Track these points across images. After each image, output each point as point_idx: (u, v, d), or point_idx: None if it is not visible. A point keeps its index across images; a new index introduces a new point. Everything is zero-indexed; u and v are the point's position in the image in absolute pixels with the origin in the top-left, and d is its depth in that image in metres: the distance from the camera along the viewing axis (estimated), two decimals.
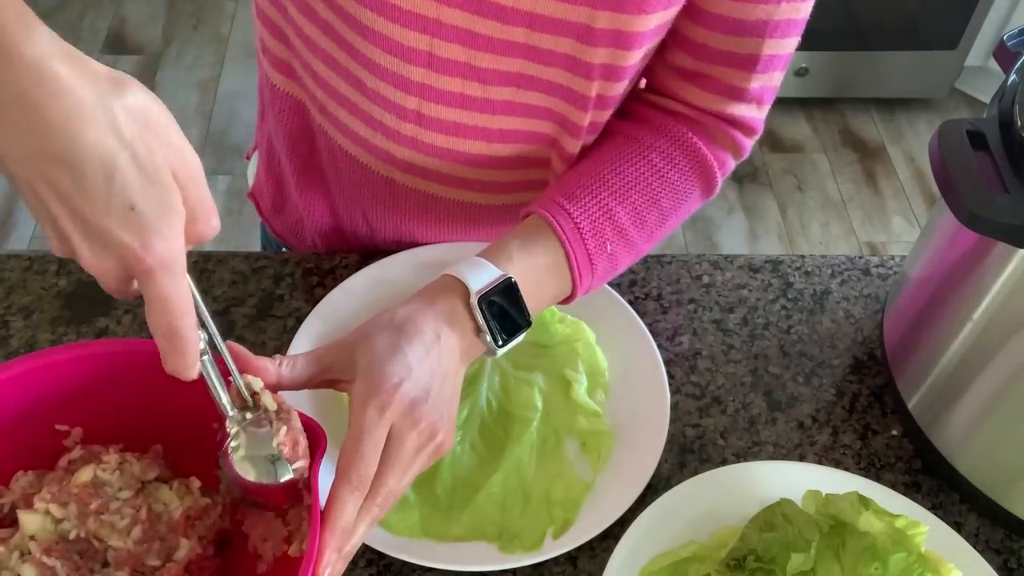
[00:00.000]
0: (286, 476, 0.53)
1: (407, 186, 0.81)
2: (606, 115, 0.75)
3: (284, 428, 0.54)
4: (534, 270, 0.66)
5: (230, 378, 0.54)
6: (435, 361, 0.59)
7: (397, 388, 0.56)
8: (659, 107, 0.76)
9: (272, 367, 0.57)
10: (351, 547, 0.54)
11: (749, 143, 0.77)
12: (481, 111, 0.73)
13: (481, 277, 0.63)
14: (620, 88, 0.72)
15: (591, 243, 0.68)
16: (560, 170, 0.77)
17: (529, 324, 0.64)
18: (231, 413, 0.54)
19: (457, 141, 0.76)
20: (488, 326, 0.62)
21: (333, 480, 0.54)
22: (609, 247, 0.69)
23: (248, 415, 0.54)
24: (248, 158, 1.00)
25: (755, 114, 0.75)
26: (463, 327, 0.62)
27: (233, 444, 0.54)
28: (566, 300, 0.70)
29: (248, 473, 0.54)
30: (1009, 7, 2.35)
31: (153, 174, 0.44)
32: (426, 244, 0.85)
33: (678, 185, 0.74)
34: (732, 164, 0.78)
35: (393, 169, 0.79)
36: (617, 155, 0.73)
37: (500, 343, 0.63)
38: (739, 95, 0.73)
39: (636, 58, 0.68)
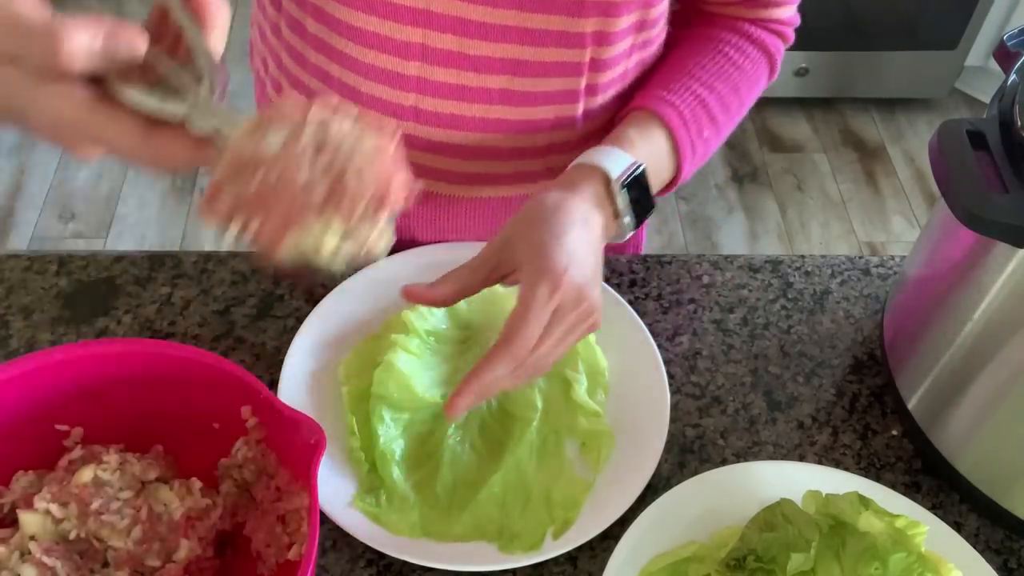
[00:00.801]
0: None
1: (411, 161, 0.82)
2: (597, 101, 0.77)
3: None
4: (652, 156, 0.71)
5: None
6: (589, 244, 0.63)
7: (565, 272, 0.60)
8: (714, 14, 0.81)
9: (440, 291, 0.63)
10: (485, 398, 0.62)
11: (791, 31, 0.83)
12: (478, 101, 0.74)
13: (617, 164, 0.67)
14: (613, 52, 0.74)
15: (692, 130, 0.74)
16: (558, 164, 0.77)
17: (654, 207, 0.70)
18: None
19: (455, 134, 0.76)
20: (628, 212, 0.68)
21: (496, 343, 0.59)
22: (705, 133, 0.75)
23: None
24: None
25: (790, 7, 0.81)
26: (605, 211, 0.67)
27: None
28: (668, 187, 0.76)
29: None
30: (1009, 7, 2.35)
31: None
32: (426, 243, 0.85)
33: (751, 73, 0.80)
34: (783, 50, 0.83)
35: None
36: (697, 52, 0.79)
37: (634, 226, 0.69)
38: None
39: (625, 23, 0.72)
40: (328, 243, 0.42)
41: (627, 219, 0.68)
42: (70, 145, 0.45)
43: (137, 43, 0.44)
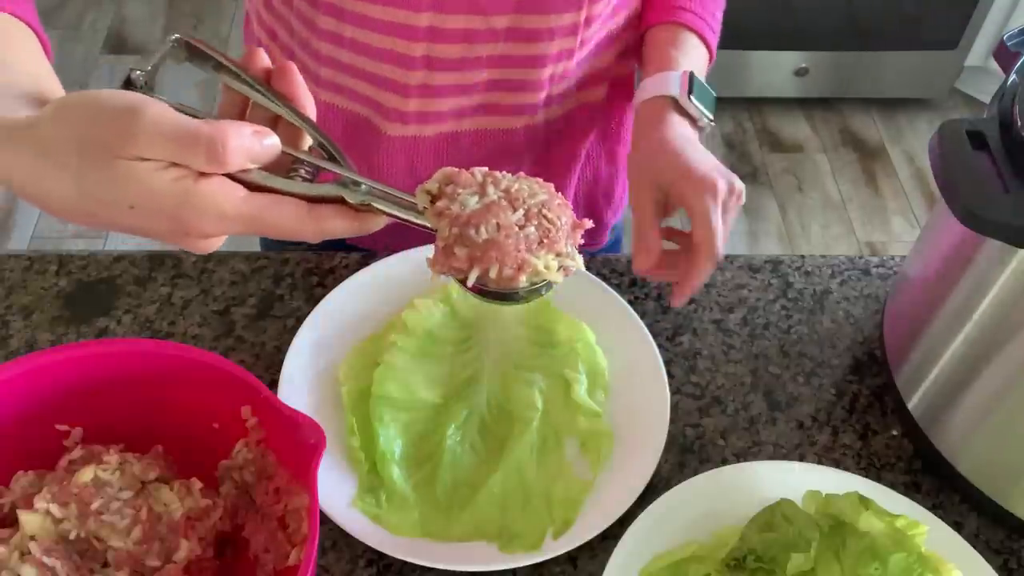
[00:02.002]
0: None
1: (418, 136, 0.83)
2: (592, 31, 0.81)
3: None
4: (693, 61, 0.81)
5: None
6: (701, 148, 0.75)
7: (709, 173, 0.71)
8: None
9: (648, 260, 0.72)
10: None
11: None
12: (487, 41, 0.77)
13: (674, 85, 0.77)
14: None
15: (710, 21, 0.84)
16: (555, 92, 0.84)
17: (715, 96, 0.80)
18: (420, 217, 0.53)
19: (464, 75, 0.80)
20: (702, 112, 0.78)
21: (694, 253, 0.71)
22: (717, 15, 0.86)
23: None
24: None
25: None
26: (688, 123, 0.78)
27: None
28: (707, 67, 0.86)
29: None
30: (1009, 7, 2.35)
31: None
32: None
33: None
34: None
35: (405, 127, 0.82)
36: None
37: (712, 119, 0.79)
38: None
39: None
40: (551, 270, 0.52)
41: (704, 120, 0.78)
42: (220, 233, 0.49)
43: (278, 141, 0.49)
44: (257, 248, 1.06)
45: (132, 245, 2.13)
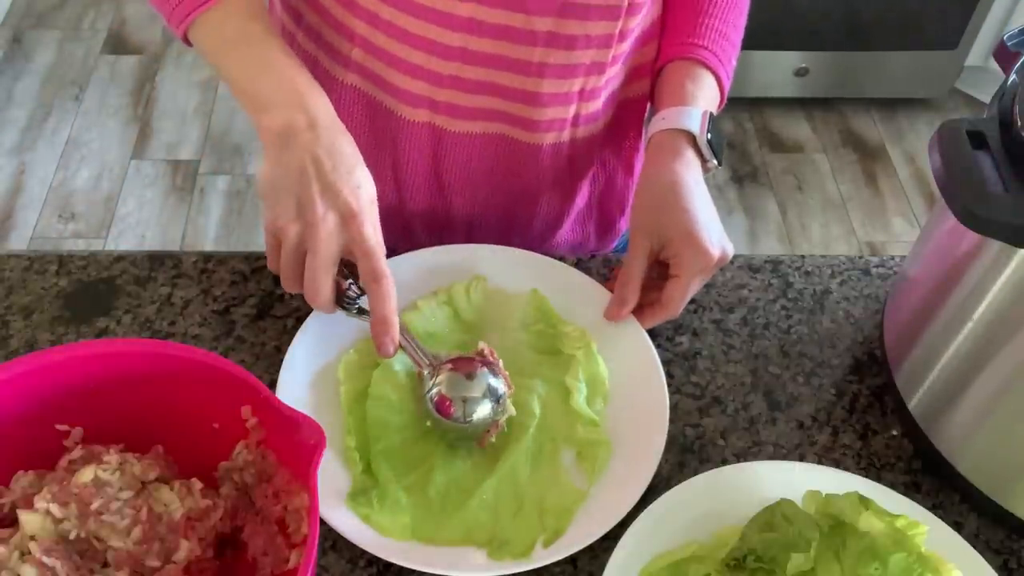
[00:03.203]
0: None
1: (444, 127, 0.83)
2: (624, 47, 0.82)
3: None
4: (708, 99, 0.82)
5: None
6: (707, 201, 0.77)
7: (711, 247, 0.74)
8: None
9: (627, 307, 0.76)
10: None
11: None
12: (524, 43, 0.77)
13: (695, 121, 0.78)
14: None
15: (725, 62, 0.85)
16: (584, 112, 0.85)
17: (724, 142, 0.82)
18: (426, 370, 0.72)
19: (500, 75, 0.79)
20: (713, 154, 0.79)
21: (657, 305, 0.76)
22: (732, 59, 0.87)
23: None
24: None
25: None
26: (700, 165, 0.79)
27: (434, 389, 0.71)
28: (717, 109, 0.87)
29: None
30: (1009, 7, 2.35)
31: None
32: (455, 195, 0.88)
33: None
34: None
35: (434, 114, 0.83)
36: None
37: (720, 164, 0.80)
38: None
39: None
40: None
41: (713, 162, 0.80)
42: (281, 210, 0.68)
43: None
44: (259, 248, 1.06)
45: (132, 245, 2.14)
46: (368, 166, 0.87)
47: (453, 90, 0.80)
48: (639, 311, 0.77)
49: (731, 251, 0.76)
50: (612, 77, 0.85)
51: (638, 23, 0.82)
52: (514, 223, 0.93)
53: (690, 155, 0.78)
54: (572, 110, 0.84)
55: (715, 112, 0.83)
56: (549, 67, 0.79)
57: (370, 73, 0.82)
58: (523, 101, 0.81)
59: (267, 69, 0.69)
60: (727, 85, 0.86)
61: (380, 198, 0.89)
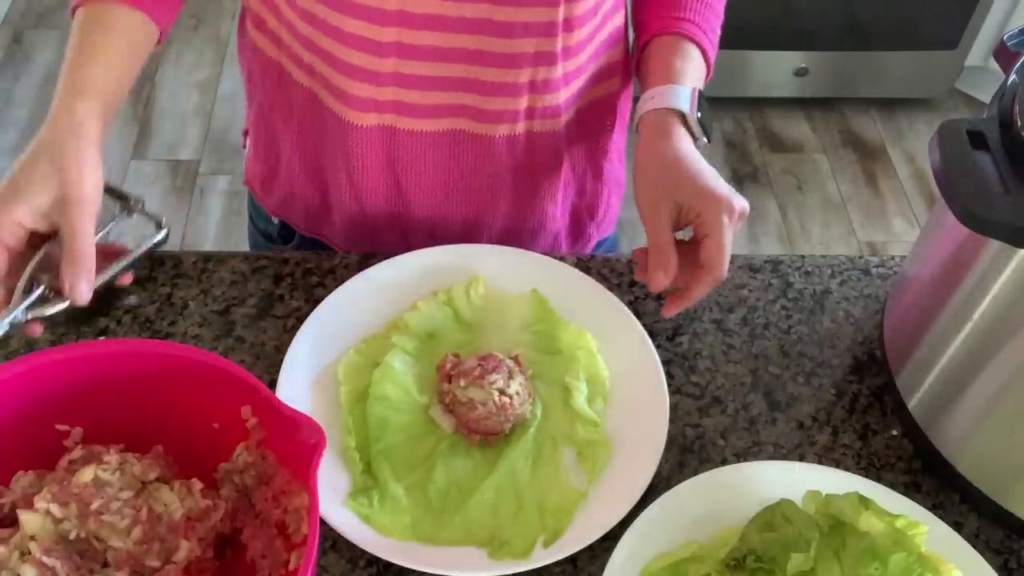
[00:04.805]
0: None
1: (393, 127, 0.83)
2: (574, 36, 0.81)
3: None
4: (695, 74, 0.83)
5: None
6: (709, 168, 0.76)
7: (725, 195, 0.73)
8: None
9: (662, 279, 0.73)
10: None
11: None
12: (460, 31, 0.77)
13: (684, 99, 0.79)
14: None
15: (710, 34, 0.85)
16: (539, 104, 0.84)
17: (709, 114, 0.81)
18: None
19: (439, 66, 0.79)
20: (702, 132, 0.79)
21: (700, 271, 0.73)
22: (717, 29, 0.87)
23: None
24: (244, 145, 1.01)
25: None
26: (691, 139, 0.79)
27: None
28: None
29: None
30: (1009, 7, 2.35)
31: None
32: (413, 197, 0.87)
33: None
34: None
35: (381, 116, 0.82)
36: None
37: (707, 140, 0.81)
38: None
39: None
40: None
41: (703, 139, 0.80)
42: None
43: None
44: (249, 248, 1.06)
45: (132, 245, 2.13)
46: (324, 174, 0.88)
47: (396, 87, 0.80)
48: (686, 291, 0.74)
49: (747, 206, 0.75)
50: (572, 72, 0.84)
51: (589, 15, 0.81)
52: (480, 225, 0.92)
53: (682, 132, 0.78)
54: (524, 102, 0.83)
55: (702, 86, 0.83)
56: (487, 55, 0.79)
57: (320, 77, 0.82)
58: (467, 90, 0.81)
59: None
60: (712, 56, 0.86)
61: (339, 206, 0.90)
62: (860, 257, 0.89)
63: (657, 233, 0.74)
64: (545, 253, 0.84)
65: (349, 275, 0.81)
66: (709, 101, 0.81)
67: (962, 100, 2.59)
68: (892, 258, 0.89)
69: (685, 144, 0.77)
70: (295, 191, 0.92)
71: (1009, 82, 0.64)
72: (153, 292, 0.82)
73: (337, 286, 0.79)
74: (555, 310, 0.79)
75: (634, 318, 0.78)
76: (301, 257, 0.85)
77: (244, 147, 1.01)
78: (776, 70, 2.43)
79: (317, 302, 0.78)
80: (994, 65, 1.06)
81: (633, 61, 0.89)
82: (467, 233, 0.92)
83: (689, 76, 0.81)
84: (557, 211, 0.94)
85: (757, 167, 2.42)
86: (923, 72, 2.46)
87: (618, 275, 0.85)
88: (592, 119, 0.91)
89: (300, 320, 0.77)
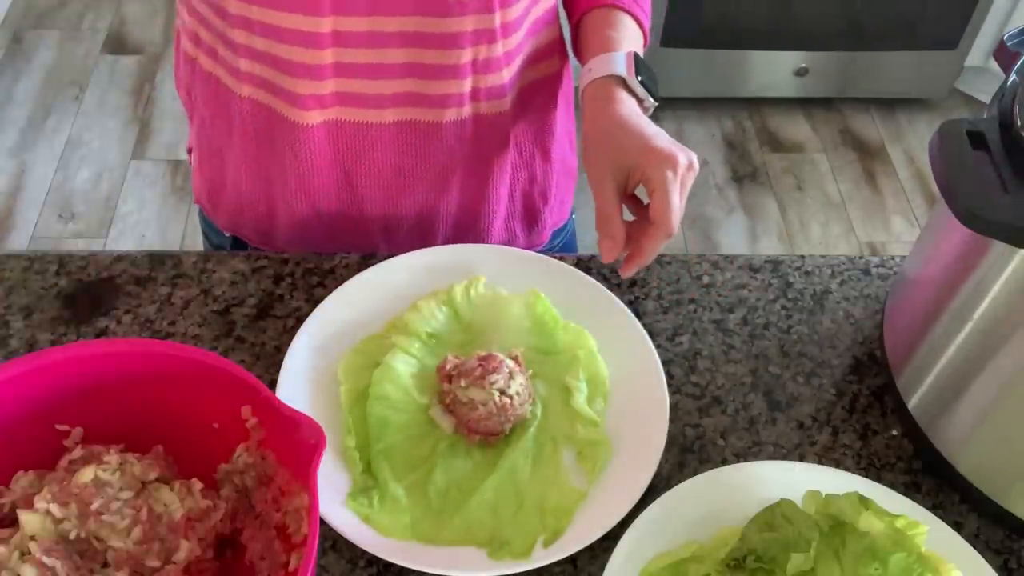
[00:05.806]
0: None
1: (339, 120, 0.82)
2: (512, 13, 0.81)
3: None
4: (632, 40, 0.84)
5: None
6: (655, 126, 0.76)
7: (670, 148, 0.72)
8: None
9: (615, 248, 0.73)
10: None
11: None
12: (394, 13, 0.76)
13: (620, 65, 0.79)
14: None
15: (641, 3, 0.87)
16: (484, 85, 0.84)
17: (656, 77, 0.82)
18: None
19: (376, 52, 0.78)
20: (647, 93, 0.80)
21: (651, 225, 0.72)
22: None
23: None
24: (190, 163, 1.01)
25: None
26: (637, 104, 0.79)
27: None
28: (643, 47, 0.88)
29: None
30: (1009, 7, 2.35)
31: None
32: (365, 193, 0.87)
33: None
34: None
35: (325, 111, 0.81)
36: None
37: (656, 101, 0.81)
38: None
39: None
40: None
41: (649, 101, 0.80)
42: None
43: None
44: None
45: (132, 245, 2.14)
46: (272, 183, 0.86)
47: (337, 79, 0.79)
48: (638, 249, 0.74)
49: (695, 158, 0.74)
50: (513, 50, 0.84)
51: None
52: (434, 216, 0.91)
53: (624, 96, 0.78)
54: (468, 83, 0.83)
55: (641, 53, 0.84)
56: (427, 36, 0.78)
57: (261, 81, 0.81)
58: (410, 75, 0.81)
59: None
60: (647, 23, 0.87)
61: (289, 213, 0.90)
62: (860, 257, 0.89)
63: (603, 202, 0.74)
64: (504, 243, 0.84)
65: (349, 275, 0.81)
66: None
67: (962, 100, 2.59)
68: (892, 258, 0.89)
69: (626, 107, 0.78)
70: (243, 203, 0.92)
71: (1009, 82, 0.64)
72: (153, 292, 0.82)
73: (337, 286, 0.79)
74: (555, 310, 0.79)
75: (634, 318, 0.78)
76: (301, 257, 0.85)
77: (190, 164, 1.00)
78: (776, 70, 2.43)
79: (317, 302, 0.78)
80: (994, 65, 1.06)
81: (569, 41, 0.90)
82: (421, 225, 0.92)
83: (624, 44, 0.82)
84: (508, 194, 0.94)
85: (757, 167, 2.42)
86: (923, 72, 2.46)
87: (618, 275, 0.85)
88: (535, 99, 0.90)
89: (300, 320, 0.77)
